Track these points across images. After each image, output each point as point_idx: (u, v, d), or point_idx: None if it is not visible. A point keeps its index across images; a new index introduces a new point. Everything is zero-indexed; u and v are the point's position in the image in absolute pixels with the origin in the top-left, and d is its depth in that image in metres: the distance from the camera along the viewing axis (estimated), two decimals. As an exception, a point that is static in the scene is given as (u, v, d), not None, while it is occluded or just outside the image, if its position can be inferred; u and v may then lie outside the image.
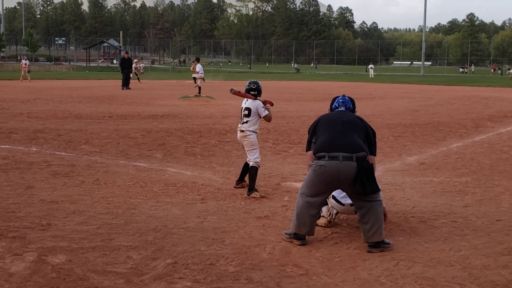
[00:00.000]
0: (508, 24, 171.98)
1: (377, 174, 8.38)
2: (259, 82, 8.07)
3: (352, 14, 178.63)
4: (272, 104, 7.98)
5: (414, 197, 7.53)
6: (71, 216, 6.26)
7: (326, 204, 5.98)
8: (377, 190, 5.32)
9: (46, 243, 5.29)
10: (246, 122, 7.73)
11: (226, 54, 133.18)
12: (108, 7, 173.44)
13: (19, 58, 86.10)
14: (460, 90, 35.45)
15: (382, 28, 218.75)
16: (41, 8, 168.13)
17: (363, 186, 5.18)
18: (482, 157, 10.82)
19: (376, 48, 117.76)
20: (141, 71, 59.24)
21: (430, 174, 9.19)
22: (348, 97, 5.97)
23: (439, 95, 29.79)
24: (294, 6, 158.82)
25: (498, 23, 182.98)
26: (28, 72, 38.93)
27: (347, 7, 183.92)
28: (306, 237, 5.48)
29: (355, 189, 5.22)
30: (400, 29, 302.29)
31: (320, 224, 5.96)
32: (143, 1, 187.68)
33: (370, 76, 60.12)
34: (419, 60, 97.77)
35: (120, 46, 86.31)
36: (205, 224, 6.11)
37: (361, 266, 4.88)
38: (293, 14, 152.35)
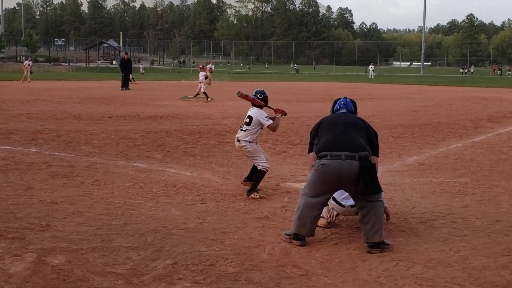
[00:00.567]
0: (507, 25, 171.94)
1: (377, 174, 8.38)
2: (266, 92, 7.97)
3: (351, 15, 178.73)
4: (285, 114, 7.88)
5: (414, 198, 7.53)
6: (71, 217, 6.26)
7: (327, 205, 5.98)
8: (379, 190, 5.32)
9: (45, 244, 5.29)
10: (245, 130, 7.66)
11: (225, 54, 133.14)
12: (108, 8, 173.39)
13: (19, 59, 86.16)
14: (459, 91, 35.46)
15: (381, 28, 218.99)
16: (41, 9, 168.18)
17: (366, 185, 5.19)
18: (481, 158, 10.83)
19: (376, 48, 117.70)
20: (141, 72, 59.35)
21: (430, 174, 9.19)
22: (350, 99, 5.99)
23: (438, 96, 29.80)
24: (294, 6, 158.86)
25: (498, 23, 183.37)
26: (30, 73, 38.92)
27: (346, 7, 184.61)
28: (306, 238, 5.48)
29: (358, 188, 5.22)
30: (399, 29, 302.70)
31: (319, 225, 5.96)
32: (142, 2, 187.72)
33: (370, 77, 60.00)
34: (419, 61, 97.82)
35: (119, 47, 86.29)
36: (205, 225, 6.11)
37: (360, 266, 4.89)
38: (292, 14, 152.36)
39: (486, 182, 8.61)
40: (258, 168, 7.64)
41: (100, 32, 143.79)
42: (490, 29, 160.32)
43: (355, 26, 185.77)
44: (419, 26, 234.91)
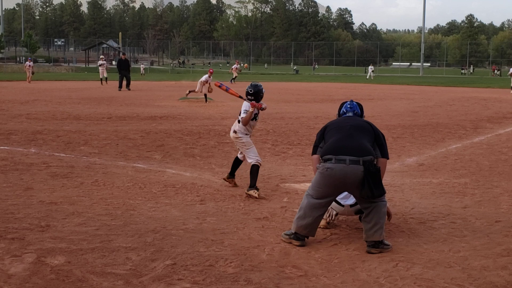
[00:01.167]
0: (507, 25, 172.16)
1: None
2: (260, 85, 7.83)
3: (351, 15, 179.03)
4: (260, 109, 7.69)
5: (413, 198, 7.53)
6: (70, 218, 6.26)
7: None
8: (383, 193, 5.34)
9: (45, 244, 5.29)
10: (239, 121, 7.72)
11: (225, 55, 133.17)
12: (107, 8, 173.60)
13: (18, 59, 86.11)
14: (459, 91, 35.48)
15: (381, 29, 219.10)
16: (40, 9, 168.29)
17: (371, 190, 5.20)
18: (481, 158, 10.83)
19: (375, 49, 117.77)
20: (141, 72, 59.32)
21: (429, 175, 9.19)
22: (356, 102, 5.99)
23: (438, 96, 29.81)
24: (293, 7, 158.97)
25: (497, 24, 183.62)
26: (32, 73, 38.93)
27: (346, 8, 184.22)
28: (306, 238, 5.48)
29: (363, 193, 5.23)
30: (399, 30, 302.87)
31: (319, 226, 5.96)
32: (142, 2, 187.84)
33: (368, 77, 59.89)
34: (418, 61, 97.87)
35: (119, 47, 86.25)
36: (204, 225, 6.10)
37: (360, 267, 4.89)
38: (292, 15, 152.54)
39: (485, 182, 8.62)
40: (252, 163, 7.63)
41: (99, 33, 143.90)
42: (489, 30, 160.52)
43: (355, 27, 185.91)
44: (418, 27, 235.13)
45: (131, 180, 8.41)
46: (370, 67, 64.59)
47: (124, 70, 31.17)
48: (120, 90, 30.05)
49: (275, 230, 5.95)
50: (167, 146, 11.70)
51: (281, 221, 6.34)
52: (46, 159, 9.94)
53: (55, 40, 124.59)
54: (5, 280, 4.41)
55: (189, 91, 23.83)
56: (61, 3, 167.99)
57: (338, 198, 5.89)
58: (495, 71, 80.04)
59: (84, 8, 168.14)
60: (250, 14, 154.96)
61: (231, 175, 8.10)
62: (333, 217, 6.06)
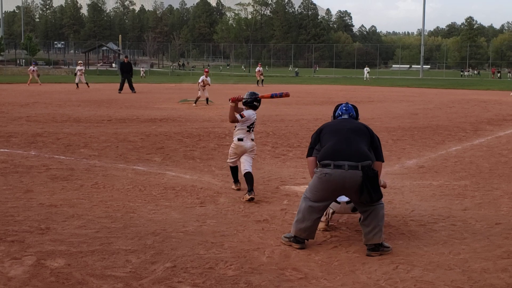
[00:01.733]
0: (506, 28, 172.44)
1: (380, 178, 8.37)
2: (254, 94, 7.92)
3: (351, 18, 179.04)
4: (237, 100, 7.75)
5: (413, 201, 7.53)
6: (70, 220, 6.26)
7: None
8: (381, 196, 5.36)
9: (45, 247, 5.28)
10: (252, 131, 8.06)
11: (225, 57, 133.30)
12: (107, 11, 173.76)
13: (18, 62, 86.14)
14: (459, 94, 35.49)
15: (381, 31, 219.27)
16: (40, 12, 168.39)
17: (370, 194, 5.22)
18: (481, 161, 10.83)
19: (375, 51, 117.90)
20: (141, 75, 59.35)
21: (429, 177, 9.19)
22: (352, 105, 5.97)
23: (438, 99, 29.82)
24: (293, 9, 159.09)
25: (497, 26, 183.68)
26: (37, 76, 39.01)
27: (345, 10, 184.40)
28: (305, 240, 5.48)
29: (362, 198, 5.25)
30: (399, 32, 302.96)
31: (318, 229, 5.96)
32: (142, 5, 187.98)
33: (364, 79, 59.81)
34: (418, 64, 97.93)
35: (119, 50, 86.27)
36: (204, 227, 6.10)
37: (360, 269, 4.88)
38: (291, 17, 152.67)
39: (485, 185, 8.61)
40: (249, 171, 7.75)
41: (99, 35, 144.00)
42: (489, 32, 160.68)
43: (355, 29, 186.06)
44: (418, 29, 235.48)
45: (131, 182, 8.41)
46: (365, 69, 64.41)
47: (126, 73, 31.23)
48: (120, 92, 30.04)
49: (275, 233, 5.95)
50: (167, 149, 11.70)
51: (281, 223, 6.34)
52: (46, 162, 9.93)
53: (55, 42, 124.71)
54: (5, 283, 4.40)
55: (197, 99, 23.34)
56: (61, 5, 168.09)
57: None
58: (496, 73, 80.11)
59: (84, 10, 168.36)
60: (250, 16, 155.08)
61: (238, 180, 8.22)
62: (330, 215, 6.06)
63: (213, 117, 18.31)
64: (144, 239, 5.60)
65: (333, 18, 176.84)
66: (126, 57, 34.76)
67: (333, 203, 5.92)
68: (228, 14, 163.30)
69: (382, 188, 5.61)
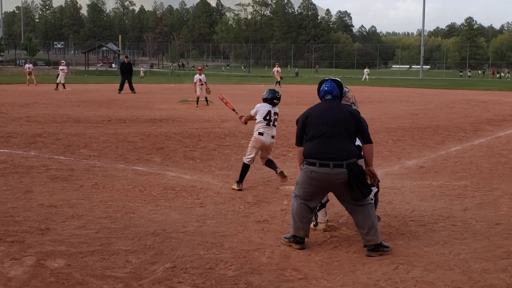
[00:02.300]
0: (506, 28, 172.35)
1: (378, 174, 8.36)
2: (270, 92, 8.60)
3: (350, 18, 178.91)
4: (247, 118, 8.72)
5: (413, 201, 7.53)
6: (70, 220, 6.25)
7: (323, 207, 6.01)
8: (371, 191, 5.40)
9: (44, 247, 5.28)
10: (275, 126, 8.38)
11: (225, 58, 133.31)
12: (107, 11, 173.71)
13: (18, 62, 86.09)
14: (459, 94, 35.48)
15: (381, 32, 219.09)
16: (40, 12, 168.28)
17: (360, 190, 5.23)
18: (481, 161, 10.83)
19: (375, 52, 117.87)
20: (141, 75, 59.35)
21: (429, 177, 9.19)
22: (335, 81, 5.70)
23: (438, 99, 29.81)
24: (293, 10, 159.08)
25: (497, 26, 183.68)
26: (29, 74, 38.72)
27: (345, 11, 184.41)
28: (305, 241, 5.48)
29: (354, 195, 5.25)
30: (398, 33, 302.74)
31: (319, 230, 5.97)
32: (141, 5, 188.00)
33: (363, 80, 59.70)
34: (418, 64, 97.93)
35: (119, 50, 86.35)
36: (204, 228, 6.10)
37: (360, 270, 4.88)
38: (291, 18, 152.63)
39: (485, 185, 8.61)
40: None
41: (99, 36, 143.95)
42: (489, 32, 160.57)
43: (354, 30, 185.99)
44: (418, 29, 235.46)
45: (131, 183, 8.40)
46: (365, 70, 64.16)
47: (126, 73, 31.20)
48: (120, 92, 30.02)
49: (275, 233, 5.95)
50: (167, 149, 11.70)
51: (281, 224, 6.34)
52: (46, 162, 9.93)
53: (55, 43, 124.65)
54: (5, 283, 4.40)
55: (197, 100, 23.12)
56: (61, 6, 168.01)
57: None
58: (494, 73, 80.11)
59: (84, 11, 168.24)
60: (249, 17, 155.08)
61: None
62: (325, 204, 6.06)
63: (213, 117, 18.30)
64: (144, 239, 5.60)
65: (333, 19, 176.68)
66: (126, 57, 34.72)
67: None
68: (228, 14, 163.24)
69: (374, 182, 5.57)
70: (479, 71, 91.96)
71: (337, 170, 5.24)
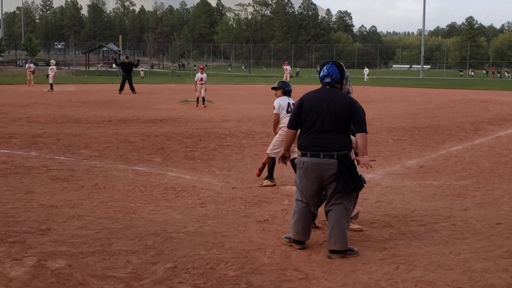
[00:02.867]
0: (507, 28, 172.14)
1: (377, 177, 8.40)
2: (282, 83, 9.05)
3: (351, 18, 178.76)
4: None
5: (414, 201, 7.53)
6: (71, 221, 6.26)
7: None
8: (360, 187, 5.33)
9: (45, 247, 5.28)
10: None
11: (225, 58, 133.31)
12: (107, 12, 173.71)
13: (18, 62, 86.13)
14: (459, 93, 35.47)
15: (381, 31, 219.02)
16: (40, 13, 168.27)
17: (346, 183, 5.16)
18: (481, 160, 10.82)
19: (375, 51, 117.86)
20: (141, 75, 59.37)
21: (430, 177, 9.19)
22: (336, 64, 5.64)
23: (438, 99, 29.80)
24: (293, 10, 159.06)
25: (497, 26, 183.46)
26: (33, 73, 38.67)
27: (346, 10, 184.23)
28: (306, 241, 5.48)
29: (337, 186, 5.19)
30: (399, 32, 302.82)
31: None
32: (142, 5, 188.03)
33: (365, 80, 59.63)
34: (418, 64, 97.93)
35: (119, 51, 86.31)
36: (205, 228, 6.10)
37: (361, 270, 4.88)
38: (291, 18, 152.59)
39: (486, 184, 8.61)
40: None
41: (99, 36, 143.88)
42: (489, 32, 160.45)
43: (355, 29, 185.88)
44: (418, 29, 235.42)
45: (131, 183, 8.41)
46: (365, 70, 63.80)
47: (127, 73, 31.24)
48: (120, 93, 30.03)
49: (276, 233, 5.95)
50: (168, 149, 11.70)
51: (282, 223, 6.34)
52: (47, 163, 9.94)
53: (55, 43, 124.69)
54: (6, 284, 4.40)
55: (197, 100, 22.96)
56: (61, 6, 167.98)
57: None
58: (495, 73, 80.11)
59: (84, 11, 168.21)
60: (250, 17, 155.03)
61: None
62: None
63: (214, 117, 18.31)
64: (145, 239, 5.60)
65: (333, 18, 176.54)
66: (127, 57, 34.79)
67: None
68: (228, 14, 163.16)
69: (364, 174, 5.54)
70: (483, 71, 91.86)
71: (328, 160, 5.21)
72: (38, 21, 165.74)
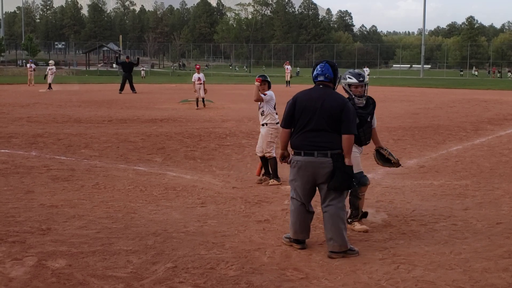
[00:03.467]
0: (507, 27, 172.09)
1: (377, 177, 8.39)
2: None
3: (351, 18, 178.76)
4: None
5: (414, 200, 7.53)
6: (71, 221, 6.26)
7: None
8: (351, 186, 5.33)
9: (46, 247, 5.28)
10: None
11: (225, 57, 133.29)
12: (108, 11, 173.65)
13: (19, 62, 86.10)
14: (459, 93, 35.45)
15: (381, 31, 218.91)
16: (41, 13, 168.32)
17: (339, 181, 5.18)
18: (482, 160, 10.82)
19: (376, 51, 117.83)
20: (142, 75, 59.32)
21: (430, 177, 9.19)
22: (330, 63, 5.65)
23: (438, 98, 29.78)
24: (293, 9, 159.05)
25: (498, 26, 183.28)
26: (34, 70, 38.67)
27: (346, 10, 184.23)
28: (306, 240, 5.48)
29: (330, 184, 5.21)
30: (399, 32, 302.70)
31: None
32: (142, 5, 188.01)
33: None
34: (419, 63, 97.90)
35: (119, 50, 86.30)
36: (205, 228, 6.10)
37: (361, 269, 4.88)
38: (292, 17, 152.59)
39: (486, 184, 8.61)
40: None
41: (100, 36, 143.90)
42: (490, 32, 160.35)
43: (355, 29, 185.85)
44: (419, 29, 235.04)
45: (132, 183, 8.41)
46: (365, 69, 63.09)
47: (127, 73, 31.28)
48: (121, 93, 30.03)
49: (276, 233, 5.95)
50: (168, 149, 11.70)
51: (282, 223, 6.34)
52: (47, 162, 9.94)
53: (56, 43, 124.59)
54: (6, 284, 4.40)
55: (197, 101, 22.79)
56: (62, 6, 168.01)
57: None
58: (495, 72, 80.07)
59: (85, 11, 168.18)
60: (250, 16, 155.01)
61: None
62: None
63: (214, 117, 18.31)
64: (145, 239, 5.60)
65: (334, 18, 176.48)
66: (128, 57, 34.82)
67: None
68: (228, 14, 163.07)
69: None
70: (487, 71, 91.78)
71: (322, 159, 5.22)
72: (38, 21, 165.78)
